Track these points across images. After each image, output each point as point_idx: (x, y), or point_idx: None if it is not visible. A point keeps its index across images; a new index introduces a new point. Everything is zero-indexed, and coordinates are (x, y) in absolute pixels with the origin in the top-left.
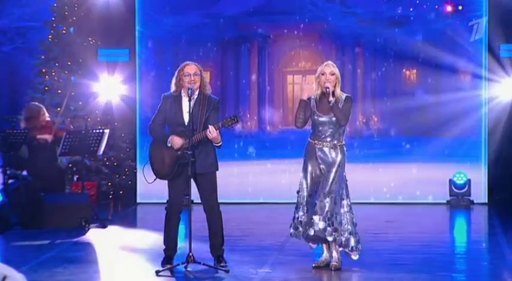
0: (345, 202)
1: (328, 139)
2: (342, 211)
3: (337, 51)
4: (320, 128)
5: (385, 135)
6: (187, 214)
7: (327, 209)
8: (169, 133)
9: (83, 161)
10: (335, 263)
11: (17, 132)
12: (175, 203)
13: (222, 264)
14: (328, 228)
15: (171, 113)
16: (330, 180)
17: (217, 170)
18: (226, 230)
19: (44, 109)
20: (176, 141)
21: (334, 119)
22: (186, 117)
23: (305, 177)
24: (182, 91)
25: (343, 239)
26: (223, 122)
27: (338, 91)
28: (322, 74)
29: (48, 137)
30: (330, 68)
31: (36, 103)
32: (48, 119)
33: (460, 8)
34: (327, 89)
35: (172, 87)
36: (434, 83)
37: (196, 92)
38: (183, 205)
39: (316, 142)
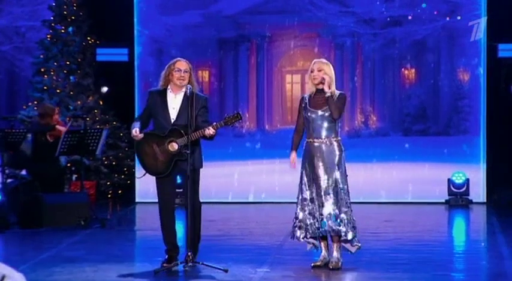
0: (347, 198)
1: (324, 135)
2: (346, 206)
3: (335, 51)
4: (314, 124)
5: (384, 135)
6: (185, 213)
7: (333, 206)
8: (154, 128)
9: (81, 161)
10: (334, 263)
11: (16, 132)
12: (167, 202)
13: (189, 264)
14: (337, 225)
15: (157, 108)
16: (334, 177)
17: (201, 167)
18: (226, 229)
19: (58, 110)
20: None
21: (327, 113)
22: (172, 114)
23: (306, 178)
24: (169, 86)
25: (349, 234)
26: (225, 120)
27: (332, 88)
28: (312, 72)
29: (63, 129)
30: (318, 64)
31: (51, 104)
32: (59, 120)
33: (458, 18)
34: (323, 80)
35: (160, 82)
36: (433, 82)
37: (184, 89)
38: (182, 204)
39: (312, 140)
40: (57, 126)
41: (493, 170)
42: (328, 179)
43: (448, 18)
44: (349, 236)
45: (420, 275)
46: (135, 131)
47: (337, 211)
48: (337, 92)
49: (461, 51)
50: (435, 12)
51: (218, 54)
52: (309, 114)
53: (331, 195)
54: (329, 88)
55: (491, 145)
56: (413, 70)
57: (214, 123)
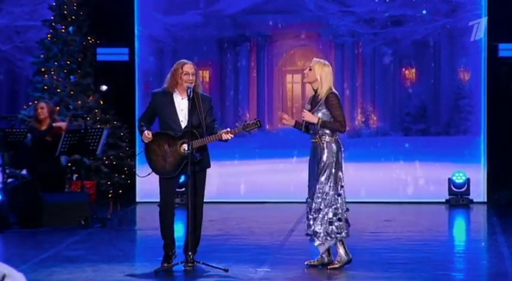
0: (329, 202)
1: (320, 135)
2: (332, 211)
3: (336, 50)
4: (310, 124)
5: (384, 135)
6: (186, 213)
7: (317, 209)
8: (162, 130)
9: (82, 160)
10: (335, 263)
11: (17, 132)
12: (169, 201)
13: (189, 264)
14: (317, 230)
15: (165, 110)
16: (321, 178)
17: (209, 167)
18: (226, 229)
19: (43, 106)
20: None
21: (319, 113)
22: (180, 116)
23: (308, 179)
24: (176, 89)
25: (316, 241)
26: (244, 126)
27: (323, 87)
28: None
29: (63, 124)
30: (311, 63)
31: (49, 102)
32: (57, 117)
33: (459, 26)
34: (312, 79)
35: (167, 84)
36: (434, 82)
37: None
38: (183, 203)
39: (313, 140)
40: (55, 124)
41: (494, 170)
42: (320, 180)
43: (448, 18)
44: (316, 242)
45: (420, 275)
46: (148, 133)
47: (325, 216)
48: (327, 93)
49: (462, 51)
50: (435, 16)
51: (218, 54)
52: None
53: (320, 199)
54: (320, 88)
55: (491, 144)
56: (413, 70)
57: (232, 129)
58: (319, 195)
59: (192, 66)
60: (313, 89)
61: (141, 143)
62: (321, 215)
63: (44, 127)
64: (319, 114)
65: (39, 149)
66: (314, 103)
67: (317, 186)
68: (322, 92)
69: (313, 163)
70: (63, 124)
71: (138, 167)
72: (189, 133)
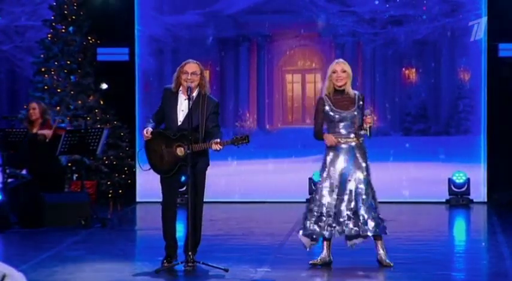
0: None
1: (352, 135)
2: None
3: (336, 50)
4: (343, 123)
5: (385, 134)
6: (186, 213)
7: (373, 206)
8: (165, 128)
9: (82, 160)
10: (387, 261)
11: (17, 131)
12: (170, 199)
13: (189, 264)
14: (377, 225)
15: (168, 108)
16: (364, 177)
17: (209, 165)
18: (226, 229)
19: (47, 109)
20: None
21: (355, 113)
22: (180, 116)
23: (333, 179)
24: (180, 88)
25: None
26: (233, 140)
27: (348, 88)
28: (334, 72)
29: (47, 132)
30: (341, 65)
31: (40, 102)
32: (49, 117)
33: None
34: (345, 83)
35: (172, 83)
36: (434, 82)
37: (195, 92)
38: (183, 203)
39: (347, 140)
40: (40, 132)
41: (494, 170)
42: (364, 179)
43: (448, 18)
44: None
45: (420, 275)
46: (146, 131)
47: (377, 211)
48: (356, 93)
49: (462, 51)
50: (436, 16)
51: (218, 53)
52: (335, 115)
53: (370, 195)
54: (365, 124)
55: (491, 144)
56: (413, 70)
57: (223, 140)
58: (372, 193)
59: (193, 66)
60: (338, 89)
61: (141, 140)
62: (378, 216)
63: (35, 129)
64: (351, 115)
65: (33, 149)
66: (344, 102)
67: (363, 184)
68: (349, 90)
69: (351, 163)
70: (48, 132)
71: (137, 156)
72: (186, 136)
